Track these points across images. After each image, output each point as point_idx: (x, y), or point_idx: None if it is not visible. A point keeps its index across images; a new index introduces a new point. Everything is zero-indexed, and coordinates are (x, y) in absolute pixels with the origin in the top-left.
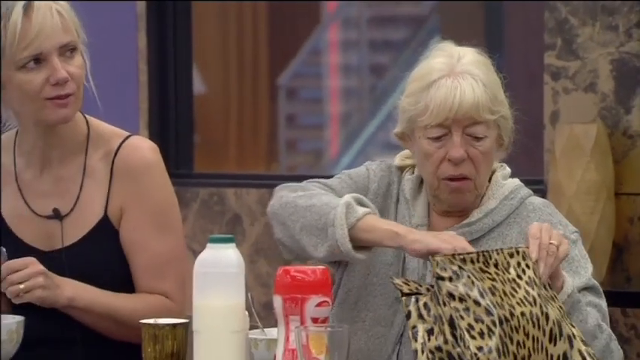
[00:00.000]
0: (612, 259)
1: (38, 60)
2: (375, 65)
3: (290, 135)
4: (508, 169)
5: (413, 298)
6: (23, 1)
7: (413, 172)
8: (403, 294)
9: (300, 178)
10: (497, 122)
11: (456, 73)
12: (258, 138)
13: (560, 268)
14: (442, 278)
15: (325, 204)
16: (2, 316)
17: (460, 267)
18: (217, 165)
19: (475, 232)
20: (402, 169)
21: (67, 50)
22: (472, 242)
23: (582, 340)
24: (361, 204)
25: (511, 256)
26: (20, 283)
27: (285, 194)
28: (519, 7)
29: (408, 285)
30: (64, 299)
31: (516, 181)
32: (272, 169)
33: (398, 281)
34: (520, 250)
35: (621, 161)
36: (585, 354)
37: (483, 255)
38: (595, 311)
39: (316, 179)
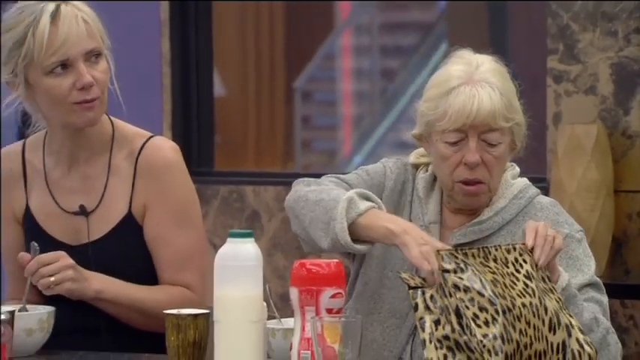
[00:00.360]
0: (612, 253)
1: (65, 65)
2: (385, 69)
3: (305, 135)
4: (517, 169)
5: (419, 291)
6: (50, 10)
7: (426, 170)
8: (410, 287)
9: (314, 176)
10: (511, 129)
11: (474, 81)
12: (275, 138)
13: (557, 263)
14: (447, 271)
15: (332, 199)
16: (34, 306)
17: (464, 261)
18: (236, 164)
19: (486, 229)
20: (416, 166)
21: (92, 56)
22: (483, 239)
23: (580, 330)
24: (367, 199)
25: (508, 252)
26: (51, 275)
27: (300, 188)
28: (523, 13)
29: (414, 279)
30: (91, 292)
31: (525, 180)
32: (288, 168)
33: (405, 275)
34: (517, 246)
35: (620, 160)
36: (583, 342)
37: (483, 250)
38: (596, 306)
39: (334, 175)
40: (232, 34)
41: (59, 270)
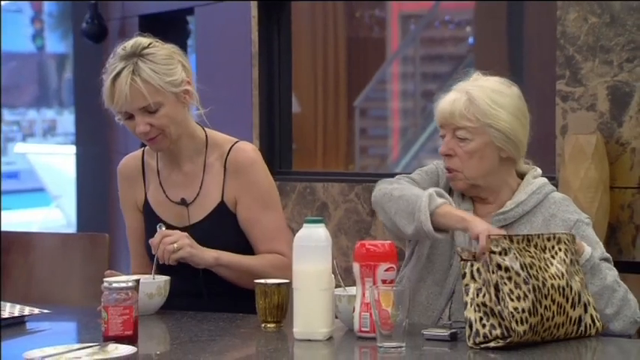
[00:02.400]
0: (607, 236)
1: (128, 115)
2: (425, 91)
3: (362, 143)
4: (539, 171)
5: (469, 263)
6: (116, 71)
7: None
8: (462, 259)
9: (370, 176)
10: (483, 130)
11: (458, 89)
12: (339, 145)
13: (582, 242)
14: (494, 252)
15: (414, 194)
16: (154, 276)
17: (509, 245)
18: (309, 165)
19: (508, 218)
20: None
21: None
22: (506, 226)
23: (594, 308)
24: (441, 196)
25: (548, 240)
26: (173, 243)
27: (384, 187)
28: (536, 47)
29: (467, 253)
30: (211, 258)
31: (544, 179)
32: (349, 169)
33: (459, 248)
34: (556, 235)
35: (615, 163)
36: (595, 318)
37: (527, 238)
38: (613, 272)
39: (404, 175)
40: (306, 64)
41: (178, 238)
